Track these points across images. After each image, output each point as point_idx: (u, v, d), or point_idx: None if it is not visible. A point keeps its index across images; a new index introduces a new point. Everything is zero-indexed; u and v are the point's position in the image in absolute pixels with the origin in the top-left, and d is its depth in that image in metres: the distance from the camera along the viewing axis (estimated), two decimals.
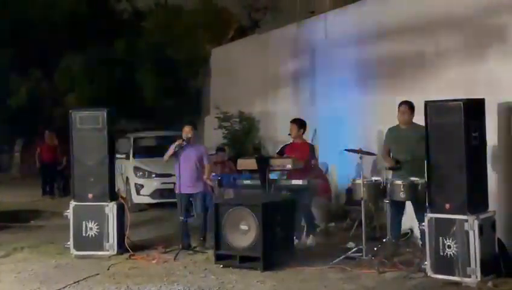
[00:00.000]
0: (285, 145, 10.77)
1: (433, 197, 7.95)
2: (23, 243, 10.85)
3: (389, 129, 9.39)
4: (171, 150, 10.13)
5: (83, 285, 8.22)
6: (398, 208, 8.99)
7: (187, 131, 10.24)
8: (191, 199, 10.34)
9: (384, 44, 11.42)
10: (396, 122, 9.26)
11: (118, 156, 11.76)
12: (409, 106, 9.11)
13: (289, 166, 9.76)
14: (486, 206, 7.98)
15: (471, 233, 7.58)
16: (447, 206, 7.77)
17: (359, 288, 7.76)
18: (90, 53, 21.53)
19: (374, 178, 9.14)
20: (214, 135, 16.45)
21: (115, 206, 9.81)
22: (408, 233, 9.94)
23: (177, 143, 10.09)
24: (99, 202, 9.80)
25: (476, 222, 7.58)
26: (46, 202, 17.19)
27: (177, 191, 10.14)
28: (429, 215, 7.92)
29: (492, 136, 8.41)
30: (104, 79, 21.19)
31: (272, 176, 10.06)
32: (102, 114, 9.93)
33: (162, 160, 14.04)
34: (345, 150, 9.70)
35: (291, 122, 10.48)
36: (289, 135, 10.46)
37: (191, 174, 10.16)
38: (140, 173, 14.87)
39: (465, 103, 7.73)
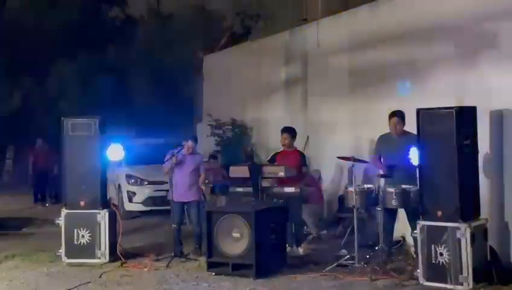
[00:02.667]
0: (276, 153, 10.70)
1: (425, 204, 7.97)
2: (14, 250, 10.81)
3: (380, 137, 9.38)
4: (168, 164, 10.14)
5: None
6: (391, 215, 8.99)
7: (187, 145, 10.31)
8: (185, 206, 10.36)
9: (376, 52, 11.43)
10: (388, 130, 9.27)
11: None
12: (399, 117, 9.11)
13: (282, 174, 9.72)
14: (478, 213, 8.01)
15: (463, 241, 7.59)
16: (439, 213, 7.79)
17: None
18: (82, 60, 21.49)
19: (366, 186, 9.15)
20: (206, 142, 16.41)
21: (107, 214, 9.79)
22: (400, 241, 9.94)
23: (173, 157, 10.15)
24: (91, 210, 9.78)
25: (468, 230, 7.60)
26: (38, 209, 17.14)
27: (171, 199, 10.14)
28: (421, 222, 7.93)
29: (484, 144, 8.42)
30: (96, 86, 21.15)
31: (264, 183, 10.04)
32: (94, 121, 9.93)
33: (154, 167, 13.97)
34: (338, 157, 9.70)
35: (284, 131, 10.41)
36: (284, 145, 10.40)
37: (185, 182, 10.19)
38: (133, 181, 14.83)
39: (457, 111, 7.76)
